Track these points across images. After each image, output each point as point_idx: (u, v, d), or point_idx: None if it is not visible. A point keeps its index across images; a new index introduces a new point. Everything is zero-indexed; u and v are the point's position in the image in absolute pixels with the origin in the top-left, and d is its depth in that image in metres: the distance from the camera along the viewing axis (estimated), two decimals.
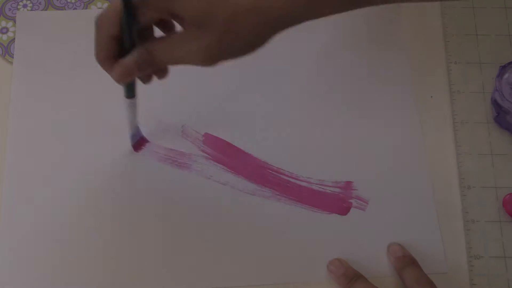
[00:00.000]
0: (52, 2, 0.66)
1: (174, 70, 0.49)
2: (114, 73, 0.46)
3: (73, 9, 0.66)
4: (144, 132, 0.59)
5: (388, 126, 0.60)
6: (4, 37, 0.64)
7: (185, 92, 0.62)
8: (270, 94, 0.62)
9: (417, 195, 0.57)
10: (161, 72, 0.49)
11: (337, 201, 0.57)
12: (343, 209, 0.56)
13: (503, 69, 0.58)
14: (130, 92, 0.50)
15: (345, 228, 0.56)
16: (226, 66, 0.62)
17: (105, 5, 0.66)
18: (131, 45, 0.45)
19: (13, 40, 0.64)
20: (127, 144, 0.59)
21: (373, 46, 0.64)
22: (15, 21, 0.65)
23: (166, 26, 0.48)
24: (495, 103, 0.58)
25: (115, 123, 0.59)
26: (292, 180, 0.58)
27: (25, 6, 0.66)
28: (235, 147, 0.59)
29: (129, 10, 0.43)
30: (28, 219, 0.56)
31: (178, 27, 0.47)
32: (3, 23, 0.65)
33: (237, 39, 0.43)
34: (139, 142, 0.59)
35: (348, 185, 0.57)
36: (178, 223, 0.56)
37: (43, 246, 0.55)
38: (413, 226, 0.55)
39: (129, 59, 0.45)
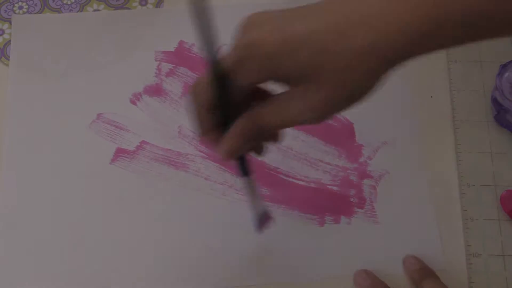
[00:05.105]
0: (48, 4, 0.66)
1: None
2: (220, 151, 0.41)
3: (69, 10, 0.66)
4: (147, 137, 0.59)
5: (387, 126, 0.60)
6: (0, 39, 0.64)
7: (181, 93, 0.62)
8: None
9: (417, 193, 0.57)
10: (273, 138, 0.44)
11: (336, 200, 0.56)
12: (342, 208, 0.56)
13: (503, 67, 0.57)
14: (243, 170, 0.44)
15: (344, 226, 0.55)
16: None
17: (101, 6, 0.66)
18: (231, 117, 0.40)
19: (9, 42, 0.64)
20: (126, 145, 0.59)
21: None
22: (10, 23, 0.65)
23: (261, 96, 0.42)
24: (495, 101, 0.58)
25: (112, 124, 0.60)
26: (290, 180, 0.57)
27: (20, 8, 0.66)
28: None
29: (221, 77, 0.38)
30: (26, 219, 0.56)
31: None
32: None
33: (350, 88, 0.38)
34: (263, 223, 0.53)
35: (345, 182, 0.57)
36: (177, 223, 0.56)
37: (42, 245, 0.55)
38: (412, 224, 0.55)
39: (233, 132, 0.40)
